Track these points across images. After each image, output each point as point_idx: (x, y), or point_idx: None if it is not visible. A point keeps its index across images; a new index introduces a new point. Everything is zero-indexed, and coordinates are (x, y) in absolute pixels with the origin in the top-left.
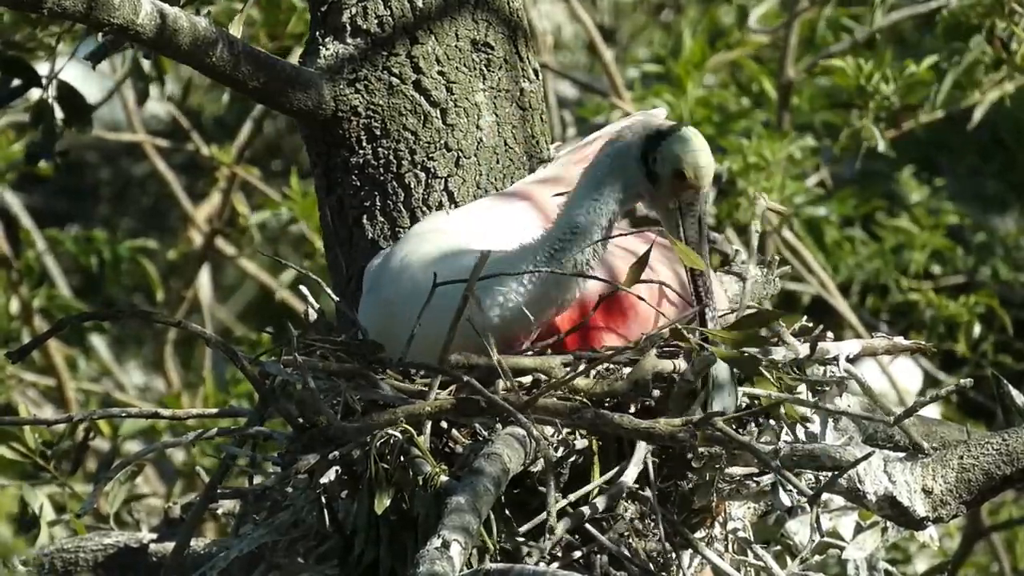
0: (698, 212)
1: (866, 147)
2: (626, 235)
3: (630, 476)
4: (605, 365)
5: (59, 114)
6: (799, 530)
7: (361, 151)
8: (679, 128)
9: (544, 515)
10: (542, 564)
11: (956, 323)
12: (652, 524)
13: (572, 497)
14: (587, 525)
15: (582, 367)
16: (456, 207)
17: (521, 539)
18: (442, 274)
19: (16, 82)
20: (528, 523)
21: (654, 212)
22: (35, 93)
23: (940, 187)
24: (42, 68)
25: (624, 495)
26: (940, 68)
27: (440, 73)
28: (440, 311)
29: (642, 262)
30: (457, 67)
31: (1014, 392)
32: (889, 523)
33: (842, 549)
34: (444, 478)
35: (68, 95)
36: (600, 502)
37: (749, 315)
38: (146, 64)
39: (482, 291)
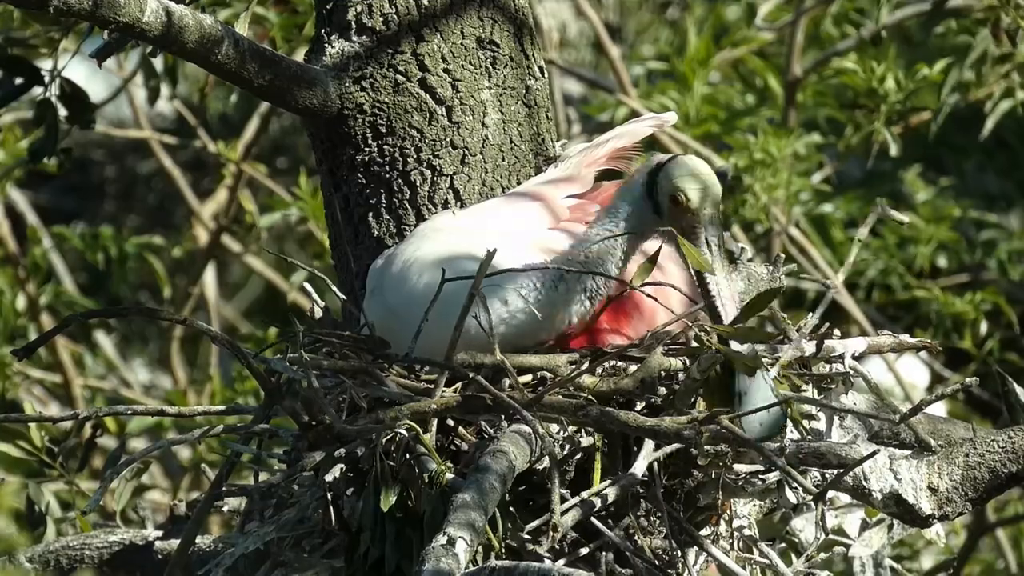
0: (702, 235)
1: (877, 149)
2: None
3: (639, 468)
4: (611, 363)
5: (62, 111)
6: (805, 528)
7: (367, 149)
8: (676, 157)
9: (551, 512)
10: (548, 561)
11: (962, 320)
12: (658, 521)
13: (586, 495)
14: (594, 521)
15: (587, 365)
16: (462, 205)
17: (527, 536)
18: (446, 277)
19: (18, 80)
20: (533, 520)
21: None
22: (38, 91)
23: (946, 187)
24: (46, 65)
25: (634, 487)
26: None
27: (446, 71)
28: (444, 314)
29: (652, 261)
30: (463, 65)
31: (1019, 389)
32: (895, 520)
33: (847, 547)
34: (450, 475)
35: (71, 92)
36: (611, 493)
37: (750, 302)
38: (157, 63)
39: (487, 294)
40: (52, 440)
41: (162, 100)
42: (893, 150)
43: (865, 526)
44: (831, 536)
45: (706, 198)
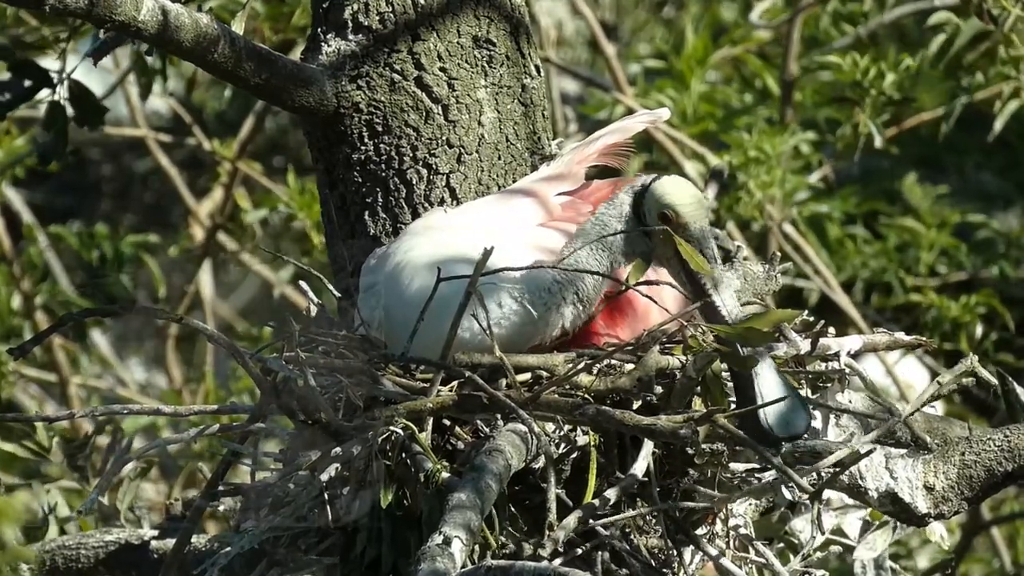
0: (696, 249)
1: (865, 143)
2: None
3: (639, 469)
4: (607, 362)
5: (70, 112)
6: (804, 528)
7: (363, 147)
8: (659, 177)
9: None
10: (544, 560)
11: (959, 322)
12: (654, 520)
13: (596, 502)
14: (589, 521)
15: (584, 364)
16: (458, 203)
17: (524, 535)
18: (440, 277)
19: (27, 83)
20: (530, 519)
21: (664, 268)
22: (45, 93)
23: (943, 194)
24: (51, 64)
25: (633, 488)
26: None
27: (442, 69)
28: (438, 314)
29: (646, 260)
30: (459, 63)
31: (1019, 389)
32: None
33: (844, 547)
34: (446, 475)
35: (79, 94)
36: (611, 494)
37: (759, 314)
38: (150, 59)
39: (483, 292)
40: (61, 440)
41: (160, 99)
42: (878, 141)
43: (867, 527)
44: (830, 536)
45: (695, 212)
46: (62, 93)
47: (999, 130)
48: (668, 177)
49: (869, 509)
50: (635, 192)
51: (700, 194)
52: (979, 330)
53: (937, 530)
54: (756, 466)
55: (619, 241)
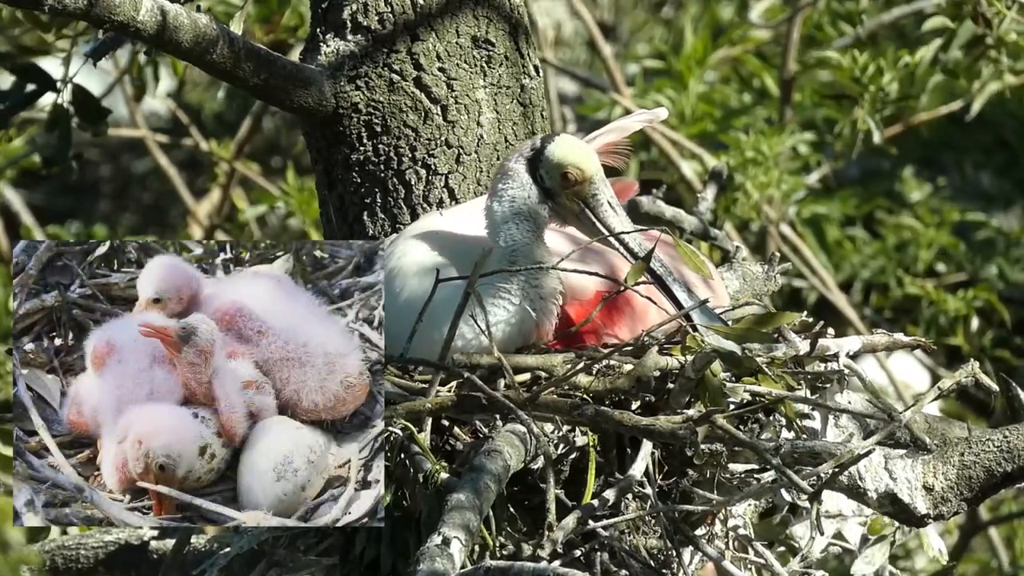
0: (604, 199)
1: (863, 140)
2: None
3: (637, 470)
4: (605, 362)
5: (73, 116)
6: (805, 535)
7: (362, 148)
8: (550, 138)
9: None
10: (543, 561)
11: (956, 318)
12: (653, 521)
13: (595, 502)
14: (588, 521)
15: (583, 364)
16: (457, 204)
17: (523, 536)
18: (431, 283)
19: (30, 87)
20: (529, 519)
21: (571, 225)
22: (48, 97)
23: (942, 187)
24: (51, 68)
25: (631, 489)
26: (937, 60)
27: (441, 70)
28: (434, 316)
29: (645, 260)
30: (458, 64)
31: (1023, 393)
32: (895, 535)
33: (843, 549)
34: (444, 475)
35: (82, 98)
36: (610, 495)
37: (759, 316)
38: (144, 59)
39: (481, 292)
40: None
41: (159, 100)
42: (876, 137)
43: (866, 542)
44: (830, 540)
45: (594, 165)
46: (65, 97)
47: (976, 111)
48: (559, 138)
49: (867, 517)
50: (527, 159)
51: (588, 144)
52: (975, 323)
53: (935, 544)
54: (755, 467)
55: (536, 211)
